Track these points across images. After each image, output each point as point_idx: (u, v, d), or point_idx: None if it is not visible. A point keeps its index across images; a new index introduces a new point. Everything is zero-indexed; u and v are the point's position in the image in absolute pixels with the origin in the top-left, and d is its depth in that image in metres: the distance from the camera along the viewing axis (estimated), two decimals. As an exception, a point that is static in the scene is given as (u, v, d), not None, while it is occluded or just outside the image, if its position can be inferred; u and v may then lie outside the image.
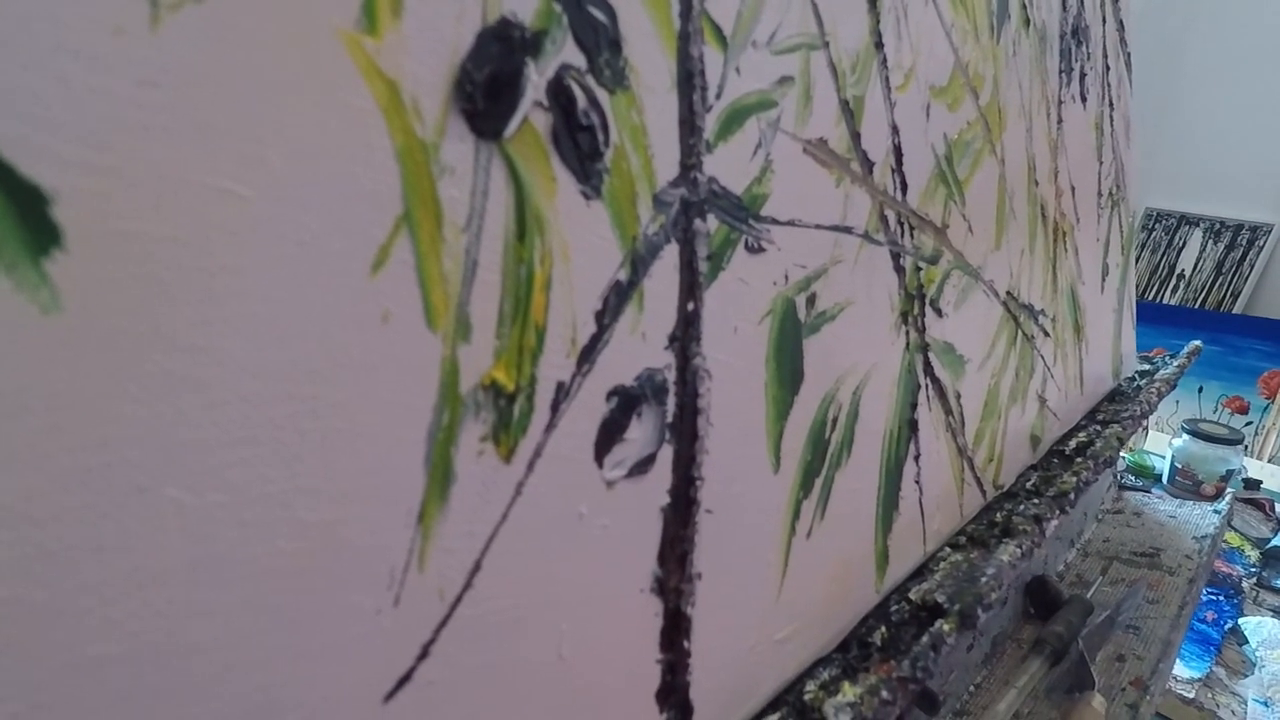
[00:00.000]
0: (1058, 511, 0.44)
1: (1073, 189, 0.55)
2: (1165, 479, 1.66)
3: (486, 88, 0.19)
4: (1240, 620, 1.30)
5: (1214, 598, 1.36)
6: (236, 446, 0.16)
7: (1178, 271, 2.43)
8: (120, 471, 0.14)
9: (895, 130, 0.35)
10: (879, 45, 0.34)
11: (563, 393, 0.22)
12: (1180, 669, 1.23)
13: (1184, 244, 2.43)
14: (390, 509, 0.18)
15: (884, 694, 0.30)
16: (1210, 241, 2.37)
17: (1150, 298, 2.43)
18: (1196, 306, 2.33)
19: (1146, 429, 2.14)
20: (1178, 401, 2.14)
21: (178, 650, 0.15)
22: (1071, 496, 0.46)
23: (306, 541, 0.17)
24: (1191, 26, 2.29)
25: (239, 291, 0.15)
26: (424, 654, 0.19)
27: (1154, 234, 2.48)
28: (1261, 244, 2.25)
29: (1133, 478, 1.61)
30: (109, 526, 0.14)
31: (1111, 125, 0.63)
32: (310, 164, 0.16)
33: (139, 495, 0.14)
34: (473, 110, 0.19)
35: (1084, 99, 0.57)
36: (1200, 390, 2.14)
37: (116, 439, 0.14)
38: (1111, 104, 0.63)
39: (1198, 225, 2.40)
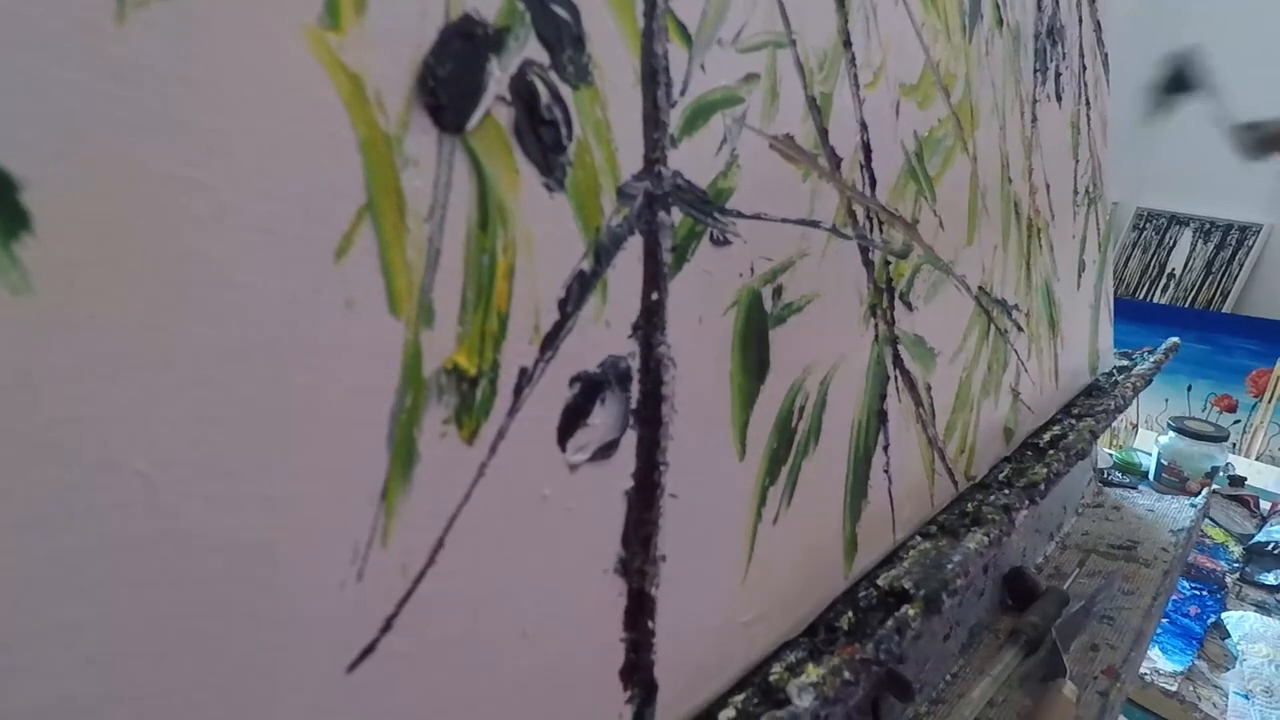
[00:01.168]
0: (1027, 502, 0.45)
1: (1047, 186, 0.56)
2: (1152, 475, 1.67)
3: (449, 82, 0.20)
4: (1223, 615, 1.31)
5: (1198, 592, 1.38)
6: (203, 424, 0.16)
7: (1168, 271, 2.44)
8: (90, 446, 0.15)
9: (864, 127, 0.36)
10: (847, 44, 0.34)
11: (526, 378, 0.22)
12: (1163, 663, 1.24)
13: (1174, 243, 2.45)
14: (354, 486, 0.19)
15: (846, 674, 0.31)
16: (1200, 241, 2.39)
17: (1141, 297, 2.45)
18: (1186, 305, 2.34)
19: (1136, 427, 2.16)
20: (1167, 400, 2.16)
21: (146, 617, 0.16)
22: (1041, 488, 0.47)
23: (270, 516, 0.17)
24: (1182, 29, 2.30)
25: (205, 276, 0.16)
26: (387, 627, 0.20)
27: (1145, 234, 2.50)
28: (1250, 244, 2.27)
29: (1120, 474, 1.62)
30: (78, 497, 0.15)
31: (1088, 124, 0.64)
32: (274, 155, 0.17)
33: (107, 469, 0.15)
34: (435, 104, 0.20)
35: (1059, 98, 0.58)
36: (1190, 388, 2.16)
37: (86, 416, 0.15)
38: (1088, 103, 0.64)
39: (1188, 225, 2.42)
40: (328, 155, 0.18)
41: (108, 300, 0.15)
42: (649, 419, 0.26)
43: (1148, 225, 2.49)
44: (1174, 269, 2.42)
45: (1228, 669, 1.22)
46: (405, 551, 0.20)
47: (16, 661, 0.14)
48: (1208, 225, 2.36)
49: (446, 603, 0.21)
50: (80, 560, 0.15)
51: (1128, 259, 2.52)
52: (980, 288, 0.47)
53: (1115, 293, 2.48)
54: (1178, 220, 2.43)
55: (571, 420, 0.24)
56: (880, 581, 0.37)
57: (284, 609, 0.18)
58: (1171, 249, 2.44)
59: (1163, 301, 2.41)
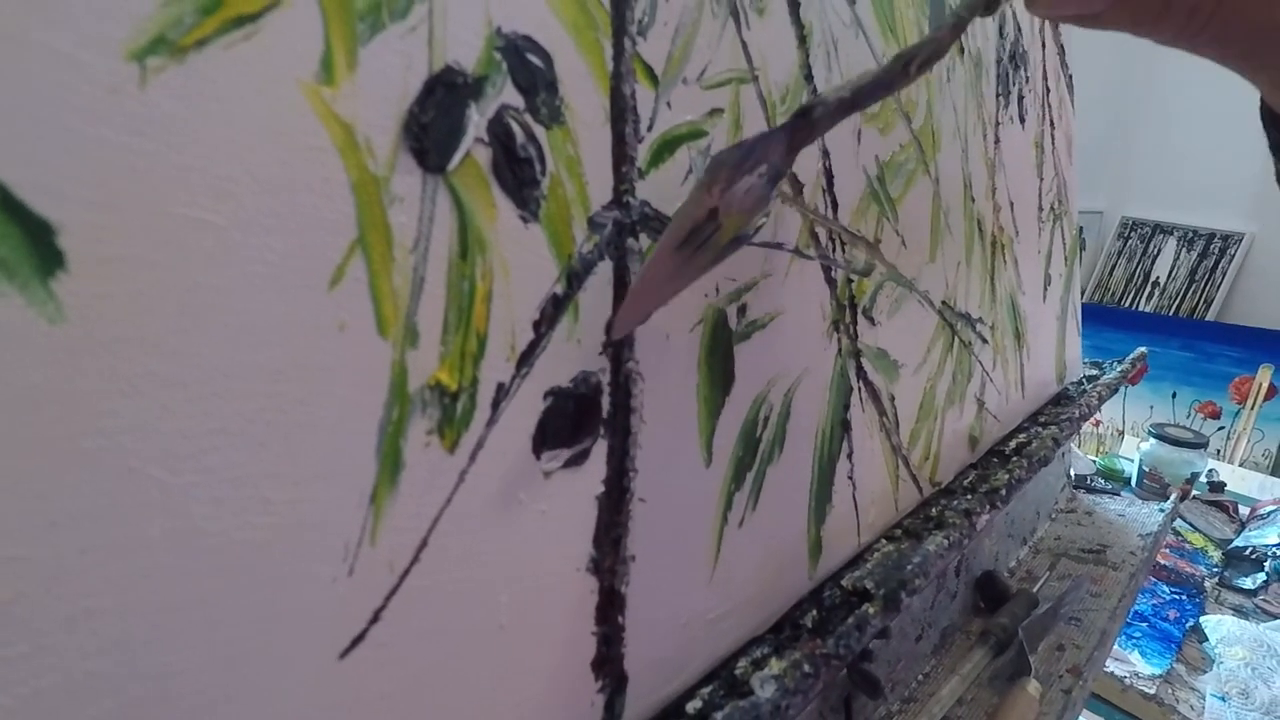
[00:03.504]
0: (989, 507, 0.48)
1: (1011, 204, 0.59)
2: (1134, 482, 1.70)
3: (431, 128, 0.22)
4: (1201, 619, 1.34)
5: (1177, 597, 1.40)
6: (211, 435, 0.19)
7: (1152, 279, 2.48)
8: (113, 455, 0.17)
9: (825, 154, 0.38)
10: (809, 78, 0.37)
11: (503, 392, 0.25)
12: (1142, 666, 1.27)
13: (1158, 252, 2.48)
14: (345, 491, 0.21)
15: (806, 668, 0.33)
16: (1184, 250, 2.43)
17: (1126, 305, 2.48)
18: (1170, 314, 2.38)
19: (1122, 434, 2.19)
20: (1152, 407, 2.19)
21: (160, 606, 0.18)
22: (1003, 493, 0.49)
23: (271, 517, 0.20)
24: (1154, 49, 2.34)
25: (213, 304, 0.18)
26: (375, 618, 0.22)
27: (1129, 242, 2.54)
28: (1233, 252, 2.31)
29: (1103, 481, 1.65)
30: (103, 499, 0.17)
31: (1053, 144, 0.67)
32: (275, 196, 0.19)
33: (128, 474, 0.17)
34: (420, 147, 0.22)
35: (1022, 120, 0.60)
36: (1174, 395, 2.19)
37: (110, 428, 0.17)
38: (1053, 123, 0.66)
39: (1171, 234, 2.45)
40: (322, 196, 0.20)
41: (129, 327, 0.17)
42: (618, 429, 0.28)
43: (1132, 234, 2.53)
44: (1158, 277, 2.46)
45: (1205, 672, 1.25)
46: (392, 550, 0.22)
47: (48, 643, 0.16)
48: (1191, 234, 2.40)
49: (429, 597, 0.23)
50: (104, 555, 0.17)
51: (1113, 268, 2.56)
52: (944, 302, 0.50)
53: (1100, 301, 2.50)
54: (1162, 229, 2.47)
55: (545, 431, 0.26)
56: (844, 582, 0.40)
57: (282, 600, 0.20)
58: (1156, 257, 2.47)
59: (1147, 310, 2.44)
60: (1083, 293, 2.53)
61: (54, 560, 0.16)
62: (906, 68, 0.25)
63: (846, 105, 0.26)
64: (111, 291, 0.17)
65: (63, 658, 0.17)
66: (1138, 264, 2.51)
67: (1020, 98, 0.60)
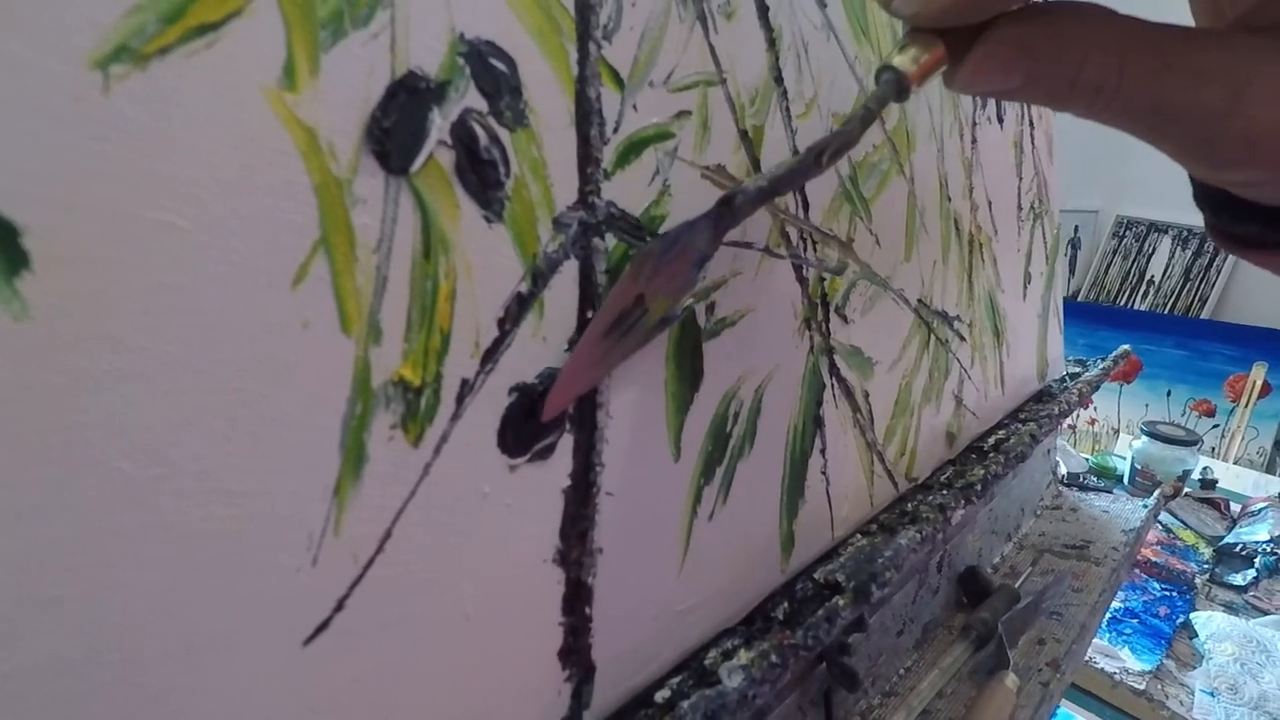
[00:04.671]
0: (964, 502, 0.48)
1: (989, 203, 0.59)
2: (1126, 479, 1.71)
3: (394, 131, 0.23)
4: (1192, 615, 1.34)
5: (1168, 593, 1.41)
6: (176, 429, 0.19)
7: (1147, 277, 2.49)
8: (79, 449, 0.18)
9: (797, 154, 0.39)
10: (778, 80, 0.38)
11: (467, 388, 0.25)
12: (1132, 662, 1.27)
13: (1153, 251, 2.49)
14: (309, 483, 0.22)
15: (774, 658, 0.33)
16: (1179, 248, 2.43)
17: (1121, 303, 2.48)
18: (1165, 312, 2.38)
19: (1118, 431, 2.20)
20: (1147, 405, 2.20)
21: (125, 595, 0.19)
22: (979, 488, 0.50)
23: (234, 509, 0.20)
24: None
25: (178, 303, 0.19)
26: (339, 607, 0.23)
27: (1124, 241, 2.55)
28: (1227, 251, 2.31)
29: (1095, 478, 1.66)
30: (69, 492, 0.18)
31: (1033, 143, 0.67)
32: (238, 199, 0.20)
33: (94, 468, 0.18)
34: (382, 151, 0.23)
35: (1000, 120, 0.61)
36: (1169, 394, 2.19)
37: (76, 423, 0.18)
38: (1032, 123, 0.67)
39: (1166, 232, 2.46)
40: (285, 198, 0.21)
41: (94, 325, 0.18)
42: (584, 424, 0.29)
43: (1127, 233, 2.54)
44: (1153, 276, 2.47)
45: (1195, 668, 1.25)
46: (356, 541, 0.23)
47: (16, 629, 0.17)
48: (1186, 232, 2.41)
49: (394, 587, 0.24)
50: (70, 544, 0.18)
51: (1108, 266, 2.56)
52: (920, 300, 0.50)
53: (1096, 300, 2.50)
54: (1157, 228, 2.47)
55: (510, 425, 0.27)
56: (817, 575, 0.40)
57: (246, 589, 0.21)
58: (1151, 256, 2.48)
59: (1143, 308, 2.45)
60: (1078, 292, 2.55)
61: (21, 550, 0.17)
62: (819, 159, 0.27)
63: (766, 193, 0.29)
64: (76, 290, 0.17)
65: (31, 642, 0.17)
66: (1133, 262, 2.52)
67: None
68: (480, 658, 0.27)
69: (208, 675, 0.20)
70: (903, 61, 0.24)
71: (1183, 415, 2.15)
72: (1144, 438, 1.68)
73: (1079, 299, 2.56)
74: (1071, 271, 2.59)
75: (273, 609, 0.21)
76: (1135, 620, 1.33)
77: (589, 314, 0.29)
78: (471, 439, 0.26)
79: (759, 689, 0.33)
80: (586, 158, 0.29)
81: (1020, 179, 0.65)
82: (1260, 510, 1.57)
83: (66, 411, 0.18)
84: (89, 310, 0.18)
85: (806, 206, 0.40)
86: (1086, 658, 1.24)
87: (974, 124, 0.57)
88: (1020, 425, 0.62)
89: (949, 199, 0.53)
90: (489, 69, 0.25)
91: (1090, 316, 2.37)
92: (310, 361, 0.22)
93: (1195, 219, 2.12)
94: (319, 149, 0.21)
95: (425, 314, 0.24)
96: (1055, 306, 0.74)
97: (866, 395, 0.45)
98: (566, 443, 0.29)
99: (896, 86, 0.25)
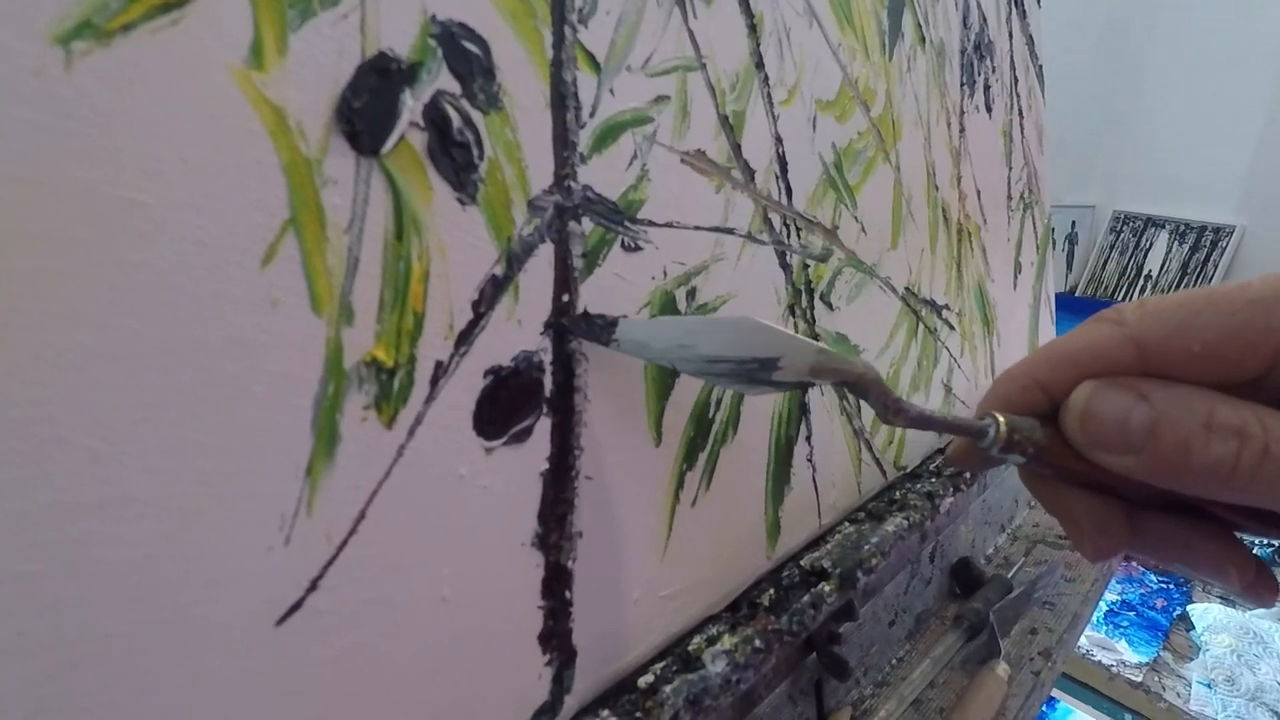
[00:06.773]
0: (952, 490, 0.48)
1: (978, 192, 0.59)
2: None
3: (364, 112, 0.23)
4: (1189, 607, 1.34)
5: (1165, 586, 1.41)
6: (143, 407, 0.19)
7: (1145, 272, 2.49)
8: (42, 424, 0.18)
9: (779, 141, 0.39)
10: (760, 65, 0.38)
11: (441, 370, 0.25)
12: (1129, 654, 1.27)
13: (1151, 245, 2.49)
14: (280, 463, 0.22)
15: (758, 643, 0.33)
16: (1176, 243, 2.44)
17: (1119, 298, 2.48)
18: (1163, 306, 2.36)
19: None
20: (1146, 399, 2.19)
21: (92, 570, 0.19)
22: (968, 477, 0.50)
23: (205, 487, 0.20)
24: (1154, 37, 2.36)
25: (144, 280, 0.19)
26: (313, 587, 0.23)
27: (1122, 236, 2.55)
28: (1224, 245, 2.31)
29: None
30: (33, 467, 0.18)
31: (1022, 133, 0.67)
32: (205, 177, 0.20)
33: (58, 443, 0.18)
34: (352, 131, 0.23)
35: (989, 109, 0.61)
36: (1167, 388, 2.18)
37: (41, 399, 0.18)
38: (1022, 113, 0.67)
39: (1164, 227, 2.46)
40: (254, 177, 0.21)
41: (60, 303, 0.18)
42: (561, 407, 0.29)
43: (1125, 227, 2.54)
44: (1151, 270, 2.47)
45: (1192, 659, 1.25)
46: (329, 521, 0.23)
47: (-19, 605, 0.17)
48: (1183, 227, 2.41)
49: (368, 568, 0.24)
50: (36, 521, 0.18)
51: (1106, 261, 2.57)
52: (908, 288, 0.50)
53: (1093, 295, 2.50)
54: (1154, 222, 2.48)
55: (486, 408, 0.27)
56: (803, 562, 0.40)
57: (216, 567, 0.21)
58: (1148, 250, 2.48)
59: (1140, 303, 2.44)
60: (1076, 286, 2.54)
61: (-14, 525, 0.17)
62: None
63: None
64: (42, 267, 0.17)
65: (-3, 620, 0.17)
66: (1130, 257, 2.52)
67: (986, 87, 0.60)
68: (458, 640, 0.27)
69: (178, 654, 0.20)
70: (1019, 424, 0.21)
71: (1181, 409, 2.14)
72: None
73: (1076, 294, 2.56)
74: (1069, 266, 2.59)
75: (245, 588, 0.21)
76: (1132, 612, 1.33)
77: (564, 298, 0.29)
78: (446, 421, 0.26)
79: (743, 674, 0.33)
80: (562, 141, 0.29)
81: (1010, 168, 0.65)
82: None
83: (28, 386, 0.17)
84: (55, 287, 0.18)
85: (790, 193, 0.40)
86: (1084, 651, 1.24)
87: (961, 112, 0.57)
88: (1011, 414, 0.62)
89: (936, 187, 0.53)
90: (462, 51, 0.25)
91: (1088, 311, 2.36)
92: (280, 341, 0.22)
93: (1192, 213, 2.12)
94: (288, 129, 0.21)
95: (398, 295, 0.24)
96: (1047, 297, 0.74)
97: (853, 383, 0.45)
98: (544, 426, 0.29)
99: (989, 432, 0.22)
